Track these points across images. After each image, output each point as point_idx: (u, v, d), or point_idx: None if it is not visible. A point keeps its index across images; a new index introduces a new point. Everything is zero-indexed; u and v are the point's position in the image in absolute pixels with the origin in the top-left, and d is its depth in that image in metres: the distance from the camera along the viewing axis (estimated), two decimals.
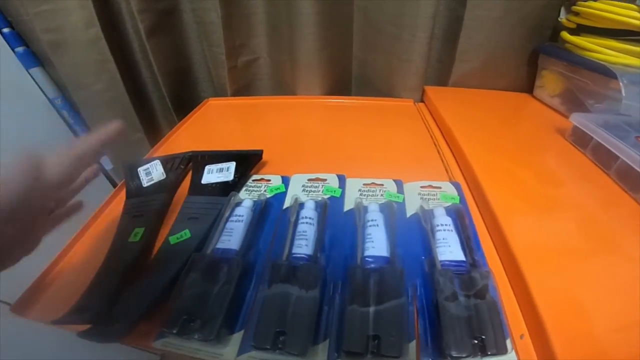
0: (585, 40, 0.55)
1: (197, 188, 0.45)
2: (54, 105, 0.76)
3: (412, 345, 0.27)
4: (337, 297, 0.30)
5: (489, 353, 0.25)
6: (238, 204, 0.40)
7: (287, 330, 0.27)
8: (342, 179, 0.44)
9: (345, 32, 0.70)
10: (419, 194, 0.41)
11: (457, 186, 0.42)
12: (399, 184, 0.43)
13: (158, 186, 0.46)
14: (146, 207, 0.43)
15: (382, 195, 0.41)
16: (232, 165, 0.46)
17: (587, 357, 0.24)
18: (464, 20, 0.61)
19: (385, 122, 0.63)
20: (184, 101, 0.77)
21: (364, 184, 0.43)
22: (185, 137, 0.60)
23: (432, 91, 0.68)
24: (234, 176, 0.44)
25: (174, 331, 0.28)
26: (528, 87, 0.68)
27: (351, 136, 0.58)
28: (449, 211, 0.37)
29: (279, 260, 0.32)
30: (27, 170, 0.23)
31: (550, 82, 0.62)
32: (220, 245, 0.34)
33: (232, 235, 0.35)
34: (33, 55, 0.71)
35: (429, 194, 0.41)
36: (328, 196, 0.41)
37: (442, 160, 0.50)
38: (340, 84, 0.76)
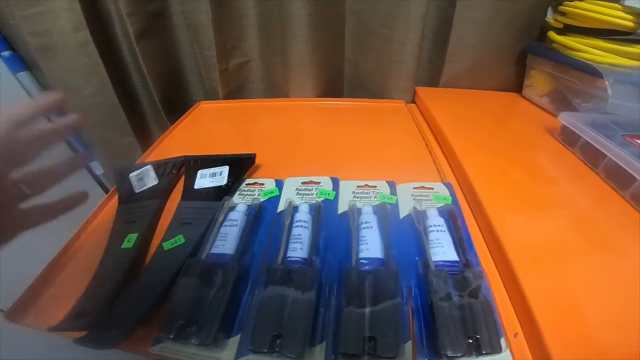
0: (572, 40, 0.55)
1: (190, 193, 0.45)
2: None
3: (408, 345, 0.27)
4: (332, 299, 0.31)
5: (484, 352, 0.25)
6: (232, 208, 0.40)
7: (284, 333, 0.27)
8: (335, 182, 0.44)
9: (337, 33, 0.70)
10: (412, 195, 0.42)
11: (449, 187, 0.43)
12: (392, 186, 0.43)
13: (150, 192, 0.46)
14: (139, 213, 0.42)
15: (375, 197, 0.42)
16: (225, 169, 0.45)
17: (580, 354, 0.25)
18: (454, 21, 0.61)
19: (378, 124, 0.64)
20: (176, 105, 0.76)
21: (357, 186, 0.43)
22: (177, 142, 0.60)
23: (423, 92, 0.69)
24: (227, 180, 0.44)
25: (171, 336, 0.28)
26: (517, 87, 0.69)
27: (344, 138, 0.58)
28: (442, 212, 0.38)
29: (274, 264, 0.32)
30: None
31: (538, 81, 0.63)
32: (214, 250, 0.34)
33: (226, 240, 0.35)
34: (20, 60, 0.70)
35: (422, 195, 0.42)
36: (322, 199, 0.41)
37: (434, 161, 0.51)
38: (333, 85, 0.76)
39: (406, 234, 0.37)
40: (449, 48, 0.64)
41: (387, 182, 0.43)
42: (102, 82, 0.68)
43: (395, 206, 0.40)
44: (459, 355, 0.25)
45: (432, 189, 0.43)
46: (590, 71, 0.51)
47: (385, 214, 0.37)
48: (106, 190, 0.86)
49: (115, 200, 0.46)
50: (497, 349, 0.25)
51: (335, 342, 0.27)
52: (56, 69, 0.67)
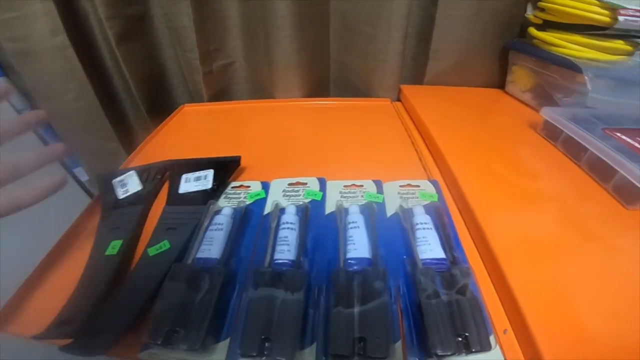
0: (551, 35, 0.56)
1: (175, 198, 0.44)
2: None
3: (398, 345, 0.27)
4: (322, 300, 0.30)
5: (474, 350, 0.25)
6: (217, 212, 0.39)
7: (273, 336, 0.27)
8: (322, 182, 0.44)
9: (322, 33, 0.70)
10: (398, 193, 0.42)
11: (435, 184, 0.43)
12: (379, 184, 0.43)
13: (134, 198, 0.45)
14: (123, 219, 0.42)
15: (362, 196, 0.41)
16: (210, 173, 0.45)
17: (570, 347, 0.25)
18: (436, 19, 0.62)
19: (364, 123, 0.64)
20: (160, 108, 0.75)
21: (344, 186, 0.43)
22: (161, 146, 0.59)
23: (408, 90, 0.69)
24: (212, 184, 0.44)
25: (159, 342, 0.27)
26: (500, 83, 0.70)
27: (330, 138, 0.58)
28: (428, 209, 0.38)
29: (261, 268, 0.32)
30: None
31: (520, 77, 0.64)
32: (200, 255, 0.34)
33: (212, 244, 0.35)
34: None
35: (408, 192, 0.42)
36: (309, 200, 0.41)
37: (420, 159, 0.51)
38: (319, 85, 0.76)
39: (393, 233, 0.36)
40: (432, 46, 0.65)
41: (374, 181, 0.43)
42: (83, 86, 0.66)
43: (382, 205, 0.40)
44: (448, 353, 0.25)
45: (418, 186, 0.43)
46: (570, 66, 0.52)
47: (372, 213, 0.37)
48: (92, 197, 0.84)
49: (99, 206, 0.45)
50: (486, 347, 0.25)
51: (325, 343, 0.27)
52: (34, 74, 0.65)
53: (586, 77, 0.49)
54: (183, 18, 0.64)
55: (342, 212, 0.38)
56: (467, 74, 0.69)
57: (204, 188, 0.44)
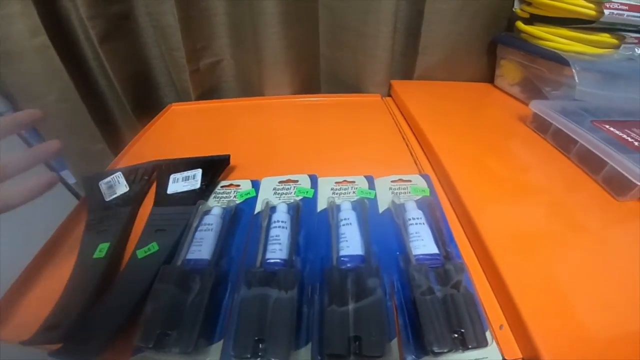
0: (539, 29, 0.57)
1: (163, 199, 0.43)
2: None
3: (394, 343, 0.26)
4: (315, 299, 0.30)
5: (470, 346, 0.25)
6: (207, 212, 0.38)
7: (267, 337, 0.26)
8: (314, 179, 0.43)
9: (311, 30, 0.69)
10: (390, 188, 0.41)
11: (426, 178, 0.43)
12: (370, 180, 0.43)
13: (122, 199, 0.44)
14: (110, 221, 0.40)
15: (354, 192, 0.41)
16: (199, 172, 0.44)
17: (566, 340, 0.25)
18: (425, 14, 0.62)
19: (354, 118, 0.63)
20: (146, 107, 0.73)
21: (336, 182, 0.43)
22: (148, 146, 0.58)
23: (398, 85, 0.69)
24: (201, 184, 0.43)
25: (150, 345, 0.26)
26: (489, 77, 0.70)
27: (321, 134, 0.58)
28: (420, 204, 0.37)
29: (253, 268, 0.31)
30: None
31: (509, 71, 0.64)
32: (190, 256, 0.33)
33: (202, 245, 0.34)
34: None
35: (400, 188, 0.41)
36: (300, 198, 0.41)
37: (411, 153, 0.51)
38: (309, 82, 0.75)
39: (386, 229, 0.36)
40: (421, 41, 0.65)
41: (365, 176, 0.43)
42: (66, 87, 0.65)
43: (374, 201, 0.40)
44: (445, 350, 0.24)
45: (409, 181, 0.42)
46: (557, 59, 0.52)
47: (364, 209, 0.37)
48: (79, 199, 0.83)
49: (85, 209, 0.43)
50: (482, 343, 0.25)
51: (320, 343, 0.26)
52: (15, 76, 0.63)
53: (574, 70, 0.49)
54: (168, 17, 0.63)
55: (334, 209, 0.37)
56: (456, 69, 0.69)
57: (192, 188, 0.43)
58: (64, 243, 0.39)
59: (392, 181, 0.42)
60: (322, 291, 0.30)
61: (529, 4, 0.58)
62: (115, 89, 0.69)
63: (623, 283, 0.28)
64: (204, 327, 0.27)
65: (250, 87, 0.75)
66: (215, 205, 0.40)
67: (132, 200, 0.43)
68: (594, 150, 0.40)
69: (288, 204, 0.39)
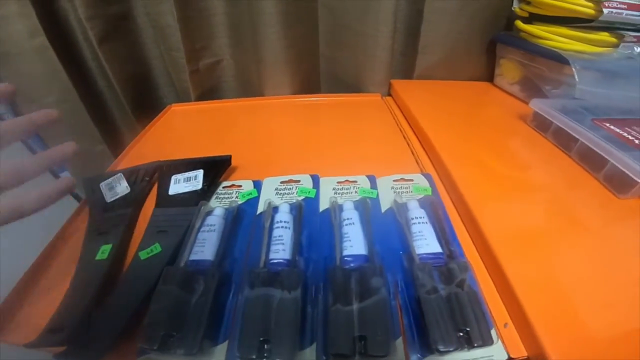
0: (538, 28, 0.57)
1: (165, 200, 0.43)
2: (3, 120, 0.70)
3: (399, 342, 0.26)
4: (319, 299, 0.30)
5: (476, 345, 0.25)
6: (209, 213, 0.38)
7: (271, 337, 0.26)
8: (315, 179, 0.43)
9: (310, 29, 0.69)
10: (392, 187, 0.42)
11: (428, 177, 0.43)
12: (372, 180, 0.43)
13: (123, 201, 0.43)
14: (112, 223, 0.40)
15: (356, 192, 0.41)
16: (200, 173, 0.44)
17: (572, 338, 0.25)
18: (424, 14, 0.62)
19: (355, 118, 0.63)
20: (146, 108, 0.73)
21: (337, 182, 0.43)
22: (149, 147, 0.57)
23: (398, 84, 0.69)
24: (203, 184, 0.43)
25: (155, 347, 0.26)
26: (489, 76, 0.70)
27: (322, 134, 0.58)
28: (422, 203, 0.38)
29: (257, 268, 0.31)
30: None
31: (508, 70, 0.64)
32: (193, 257, 0.33)
33: (205, 245, 0.34)
34: None
35: (402, 187, 0.42)
36: (302, 198, 0.41)
37: (413, 153, 0.51)
38: (309, 82, 0.75)
39: (389, 228, 0.36)
40: (420, 40, 0.65)
41: (367, 176, 0.43)
42: (66, 89, 0.64)
43: (376, 200, 0.40)
44: (450, 349, 0.25)
45: (411, 180, 0.42)
46: (557, 58, 0.52)
47: (367, 209, 0.37)
48: (79, 200, 0.82)
49: (86, 211, 0.43)
50: (488, 341, 0.25)
51: (325, 343, 0.26)
52: (14, 77, 0.63)
53: (573, 69, 0.49)
54: (167, 17, 0.63)
55: (336, 208, 0.37)
56: (456, 68, 0.69)
57: (194, 189, 0.43)
58: (65, 245, 0.39)
59: (394, 180, 0.42)
60: (326, 291, 0.30)
61: (528, 3, 0.58)
62: (114, 89, 0.69)
63: (626, 281, 0.28)
64: (209, 329, 0.27)
65: (250, 87, 0.75)
66: (217, 206, 0.40)
67: (133, 202, 0.43)
68: (595, 149, 0.40)
69: (290, 204, 0.39)
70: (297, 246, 0.34)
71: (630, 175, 0.35)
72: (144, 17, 0.66)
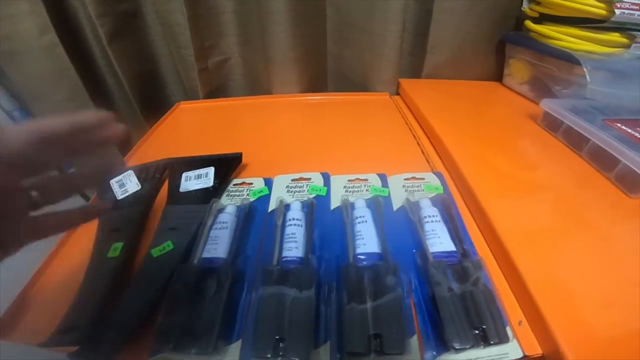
0: (548, 28, 0.57)
1: (176, 197, 0.43)
2: (11, 118, 0.71)
3: (414, 340, 0.26)
4: (333, 298, 0.30)
5: (492, 342, 0.25)
6: (220, 210, 0.38)
7: (286, 336, 0.26)
8: (326, 177, 0.43)
9: (319, 28, 0.70)
10: (404, 186, 0.42)
11: (439, 176, 0.43)
12: (383, 178, 0.43)
13: (134, 198, 0.44)
14: (123, 220, 0.40)
15: (367, 190, 0.41)
16: (211, 170, 0.44)
17: (586, 337, 0.25)
18: (433, 13, 0.62)
19: (364, 117, 0.63)
20: (154, 106, 0.74)
21: (348, 180, 0.43)
22: (157, 145, 0.58)
23: (406, 83, 0.69)
24: (214, 182, 0.43)
25: (170, 346, 0.26)
26: (497, 75, 0.70)
27: (331, 133, 0.58)
28: (435, 202, 0.38)
29: (270, 266, 0.31)
30: None
31: (518, 70, 0.64)
32: (206, 255, 0.33)
33: (217, 243, 0.34)
34: None
35: (413, 185, 0.42)
36: (314, 195, 0.41)
37: (423, 151, 0.51)
38: (316, 80, 0.75)
39: (401, 226, 0.36)
40: (429, 40, 0.65)
41: (378, 174, 0.43)
42: (75, 86, 0.65)
43: (387, 199, 0.40)
44: (466, 347, 0.25)
45: (423, 179, 0.42)
46: (568, 59, 0.52)
47: (379, 207, 0.37)
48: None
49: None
50: (504, 339, 0.25)
51: (339, 341, 0.26)
52: (23, 74, 0.63)
53: (585, 69, 0.49)
54: (177, 15, 0.63)
55: (348, 206, 0.37)
56: (464, 67, 0.69)
57: (205, 186, 0.43)
58: (76, 243, 0.39)
59: (405, 179, 0.42)
60: (340, 289, 0.30)
61: (538, 4, 0.58)
62: (123, 87, 0.69)
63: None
64: (223, 328, 0.27)
65: (257, 86, 0.75)
66: (229, 203, 0.40)
67: (144, 199, 0.43)
68: (606, 148, 0.40)
69: (302, 202, 0.39)
70: (310, 244, 0.34)
71: None
72: (153, 14, 0.67)
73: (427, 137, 0.54)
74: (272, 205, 0.40)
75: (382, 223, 0.35)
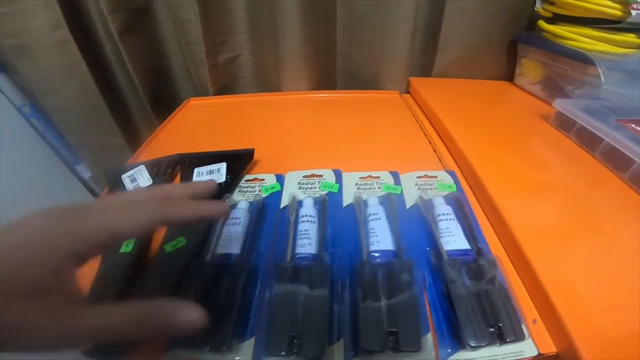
0: (562, 28, 0.56)
1: None
2: (21, 113, 0.71)
3: (429, 337, 0.26)
4: (346, 295, 0.30)
5: (508, 340, 0.25)
6: (233, 206, 0.38)
7: (300, 333, 0.26)
8: (338, 174, 0.43)
9: (329, 26, 0.69)
10: (416, 184, 0.41)
11: (452, 174, 0.43)
12: (395, 176, 0.43)
13: None
14: None
15: (379, 187, 0.41)
16: (223, 166, 0.44)
17: (602, 336, 0.25)
18: (445, 12, 0.62)
19: (374, 115, 0.63)
20: (164, 103, 0.74)
21: (360, 178, 0.43)
22: (167, 141, 0.58)
23: (417, 82, 0.69)
24: (226, 177, 0.43)
25: (185, 343, 0.26)
26: (508, 75, 0.70)
27: (341, 130, 0.58)
28: (448, 200, 0.37)
29: (284, 263, 0.31)
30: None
31: (530, 69, 0.64)
32: (220, 251, 0.33)
33: (231, 239, 0.34)
34: None
35: (426, 183, 0.41)
36: (326, 192, 0.40)
37: (434, 150, 0.50)
38: (325, 78, 0.75)
39: (414, 224, 0.36)
40: (440, 39, 0.65)
41: (391, 172, 0.43)
42: (85, 82, 0.65)
43: (400, 196, 0.39)
44: (483, 344, 0.25)
45: (435, 177, 0.42)
46: (582, 59, 0.51)
47: (392, 204, 0.37)
48: (95, 195, 0.83)
49: None
50: (520, 336, 0.25)
51: (353, 338, 0.26)
52: (34, 70, 0.63)
53: (600, 70, 0.49)
54: (188, 11, 0.63)
55: (360, 203, 0.37)
56: (475, 67, 0.69)
57: (217, 182, 0.43)
58: None
59: (417, 177, 0.42)
60: (353, 287, 0.30)
61: (552, 4, 0.57)
62: (133, 83, 0.69)
63: None
64: (236, 325, 0.27)
65: (267, 83, 0.75)
66: (241, 199, 0.40)
67: None
68: (620, 149, 0.39)
69: (314, 199, 0.39)
70: (323, 241, 0.34)
71: None
72: (165, 11, 0.67)
73: (439, 135, 0.54)
74: (285, 201, 0.40)
75: (396, 220, 0.35)
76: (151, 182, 0.45)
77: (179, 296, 0.29)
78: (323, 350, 0.25)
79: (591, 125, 0.43)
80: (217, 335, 0.26)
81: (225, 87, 0.75)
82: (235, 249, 0.33)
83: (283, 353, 0.25)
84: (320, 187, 0.41)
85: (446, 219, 0.34)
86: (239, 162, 0.45)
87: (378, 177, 0.42)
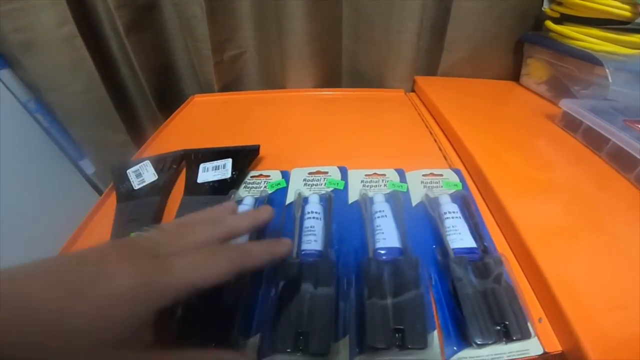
0: (569, 29, 0.56)
1: (194, 188, 0.43)
2: (26, 109, 0.71)
3: (435, 335, 0.26)
4: (351, 292, 0.30)
5: (514, 338, 0.25)
6: (239, 202, 0.38)
7: (306, 330, 0.26)
8: (343, 171, 0.43)
9: (334, 24, 0.69)
10: (422, 182, 0.41)
11: (458, 173, 0.43)
12: (401, 173, 0.42)
13: (150, 188, 0.44)
14: (140, 210, 0.41)
15: (385, 185, 0.41)
16: (229, 162, 0.44)
17: (608, 335, 0.24)
18: (452, 12, 0.62)
19: (379, 112, 0.63)
20: (169, 99, 0.74)
21: (366, 175, 0.43)
22: (172, 137, 0.58)
23: (422, 81, 0.69)
24: (232, 173, 0.43)
25: (191, 340, 0.26)
26: (514, 75, 0.70)
27: (346, 128, 0.58)
28: (454, 198, 0.37)
29: (289, 259, 0.31)
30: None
31: (536, 69, 0.63)
32: None
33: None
34: (0, 57, 0.67)
35: (432, 182, 0.41)
36: (331, 189, 0.40)
37: (440, 148, 0.50)
38: (330, 76, 0.75)
39: (420, 222, 0.36)
40: (447, 38, 0.64)
41: (396, 170, 0.43)
42: (91, 78, 0.65)
43: (406, 194, 0.39)
44: (489, 342, 0.25)
45: (441, 175, 0.42)
46: (589, 59, 0.51)
47: (398, 202, 0.37)
48: (98, 191, 0.83)
49: (112, 198, 0.44)
50: (527, 335, 0.25)
51: (359, 335, 0.26)
52: (40, 65, 0.64)
53: (607, 70, 0.49)
54: (194, 8, 0.63)
55: (366, 201, 0.37)
56: (481, 66, 0.69)
57: (223, 177, 0.43)
58: (93, 233, 0.39)
59: (423, 175, 0.42)
60: (359, 284, 0.30)
61: (560, 4, 0.57)
62: (139, 79, 0.69)
63: None
64: (242, 322, 0.27)
65: (272, 80, 0.75)
66: (247, 195, 0.40)
67: (161, 189, 0.44)
68: (627, 149, 0.39)
69: (320, 195, 0.39)
70: (329, 237, 0.34)
71: None
72: (171, 7, 0.67)
73: (444, 134, 0.54)
74: (290, 197, 0.40)
75: (402, 218, 0.35)
76: (157, 177, 0.45)
77: None
78: (329, 347, 0.25)
79: (598, 126, 0.43)
80: (223, 332, 0.26)
81: (231, 84, 0.75)
82: None
83: (289, 349, 0.25)
84: (325, 183, 0.41)
85: (452, 217, 0.34)
86: (245, 158, 0.45)
87: (384, 175, 0.42)
